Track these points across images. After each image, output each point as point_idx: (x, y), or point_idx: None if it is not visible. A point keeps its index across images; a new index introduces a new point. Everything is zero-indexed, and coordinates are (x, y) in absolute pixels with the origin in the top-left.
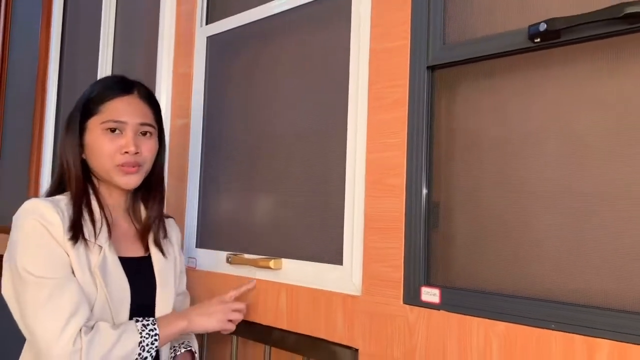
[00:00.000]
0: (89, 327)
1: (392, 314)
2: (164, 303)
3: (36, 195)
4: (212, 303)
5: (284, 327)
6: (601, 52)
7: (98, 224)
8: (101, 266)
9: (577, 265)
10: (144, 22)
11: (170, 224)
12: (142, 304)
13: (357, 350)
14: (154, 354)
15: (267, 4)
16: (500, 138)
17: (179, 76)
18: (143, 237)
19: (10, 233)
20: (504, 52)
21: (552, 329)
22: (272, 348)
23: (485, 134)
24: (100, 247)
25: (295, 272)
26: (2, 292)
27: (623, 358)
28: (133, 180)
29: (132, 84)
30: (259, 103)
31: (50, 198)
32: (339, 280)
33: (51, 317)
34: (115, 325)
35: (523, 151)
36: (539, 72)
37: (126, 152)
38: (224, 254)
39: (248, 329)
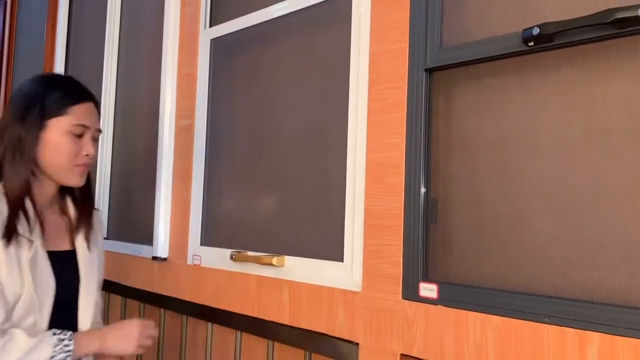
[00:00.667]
0: (3, 331)
1: (391, 309)
2: (86, 297)
3: None
4: (128, 326)
5: (287, 323)
6: (592, 55)
7: (32, 221)
8: (31, 261)
9: (569, 261)
10: (149, 24)
11: (96, 216)
12: (65, 298)
13: (357, 344)
14: None
15: (269, 7)
16: (496, 138)
17: (183, 77)
18: (71, 231)
19: None
20: (500, 55)
21: (545, 323)
22: (275, 343)
23: (482, 133)
24: (32, 242)
25: (297, 268)
26: None
27: (612, 349)
28: (84, 180)
29: (89, 91)
30: (262, 104)
31: None
32: (340, 277)
33: None
34: (30, 335)
35: (519, 150)
36: (534, 74)
37: (86, 155)
38: (227, 252)
39: (251, 325)
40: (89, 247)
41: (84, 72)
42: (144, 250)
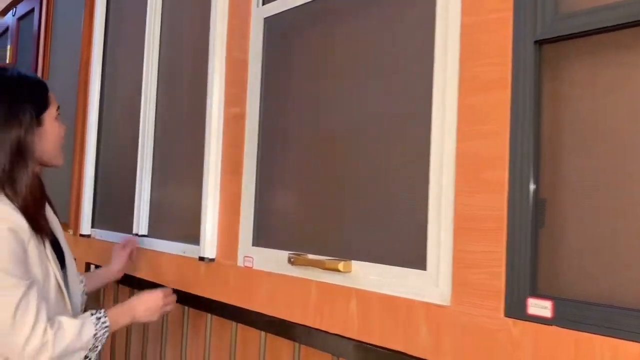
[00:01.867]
0: (51, 321)
1: (490, 328)
2: (72, 274)
3: (79, 198)
4: (153, 297)
5: (354, 337)
6: None
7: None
8: (51, 246)
9: None
10: (193, 4)
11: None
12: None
13: None
14: (104, 341)
15: None
16: (623, 125)
17: (232, 62)
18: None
19: None
20: (631, 22)
21: None
22: (340, 359)
23: (605, 120)
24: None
25: (367, 276)
26: None
27: None
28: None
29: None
30: (323, 89)
31: (3, 199)
32: (422, 287)
33: (24, 316)
34: (73, 319)
35: None
36: None
37: (64, 132)
38: (284, 254)
39: (312, 336)
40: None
41: (122, 56)
42: (189, 250)
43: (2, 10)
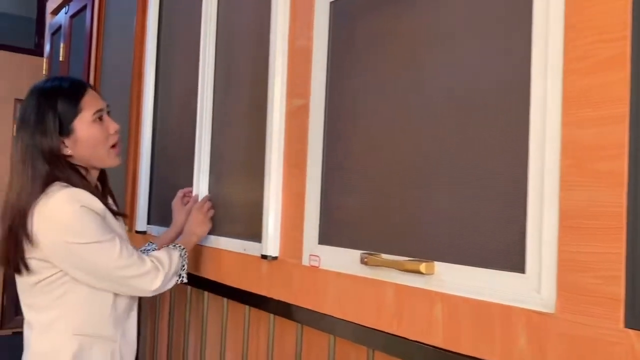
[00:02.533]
0: (142, 258)
1: (605, 341)
2: None
3: (134, 194)
4: (195, 215)
5: (439, 345)
6: None
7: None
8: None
9: None
10: None
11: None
12: None
13: None
14: (187, 262)
15: None
16: None
17: (296, 50)
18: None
19: (54, 222)
20: None
21: None
22: None
23: None
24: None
25: (454, 278)
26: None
27: None
28: (121, 158)
29: (81, 80)
30: (397, 75)
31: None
32: (520, 292)
33: (131, 258)
34: (157, 251)
35: None
36: None
37: (114, 132)
38: (356, 253)
39: (389, 343)
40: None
41: (177, 57)
42: (250, 247)
43: (54, 9)
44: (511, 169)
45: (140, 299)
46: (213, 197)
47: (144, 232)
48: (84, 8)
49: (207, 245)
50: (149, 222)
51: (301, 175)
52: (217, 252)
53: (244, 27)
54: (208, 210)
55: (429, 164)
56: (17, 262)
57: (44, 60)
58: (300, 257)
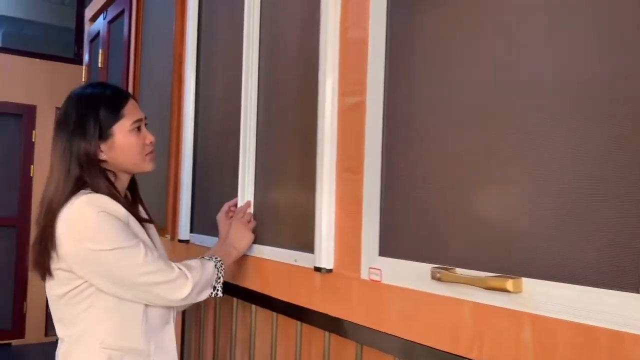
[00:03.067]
0: (170, 266)
1: None
2: None
3: (175, 202)
4: (235, 228)
5: None
6: None
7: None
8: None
9: None
10: None
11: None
12: None
13: None
14: (223, 275)
15: None
16: None
17: (349, 42)
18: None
19: (74, 229)
20: None
21: None
22: None
23: None
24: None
25: (547, 297)
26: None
27: None
28: (154, 164)
29: (124, 89)
30: (468, 64)
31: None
32: (635, 316)
33: (156, 264)
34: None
35: None
36: None
37: (150, 143)
38: (425, 267)
39: None
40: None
41: (218, 58)
42: (301, 259)
43: (92, 16)
44: (621, 166)
45: (183, 310)
46: (260, 205)
47: (186, 241)
48: (121, 13)
49: (253, 255)
50: (191, 231)
51: (357, 180)
52: (265, 263)
53: (290, 20)
54: (249, 221)
55: (513, 165)
56: (44, 269)
57: (83, 68)
58: (358, 270)
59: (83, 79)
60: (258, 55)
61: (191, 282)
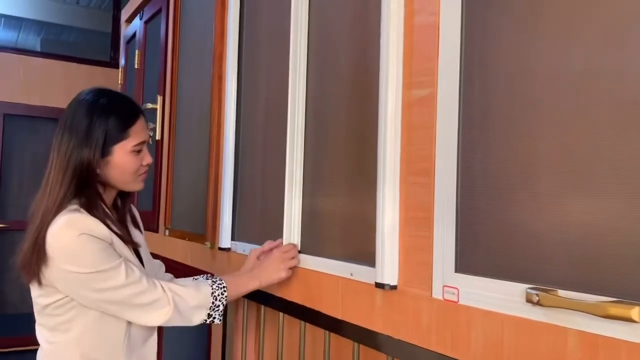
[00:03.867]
0: (153, 282)
1: None
2: None
3: (216, 209)
4: (270, 259)
5: None
6: None
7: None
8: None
9: None
10: None
11: (135, 210)
12: None
13: None
14: (225, 302)
15: None
16: None
17: (415, 28)
18: (130, 227)
19: (54, 249)
20: None
21: None
22: None
23: None
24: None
25: None
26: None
27: None
28: (144, 183)
29: (138, 106)
30: (567, 51)
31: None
32: None
33: (137, 286)
34: (186, 280)
35: None
36: None
37: (147, 164)
38: (518, 288)
39: None
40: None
41: (262, 55)
42: (359, 272)
43: (129, 17)
44: None
45: (224, 323)
46: (308, 211)
47: (227, 249)
48: (158, 12)
49: (302, 266)
50: (233, 238)
51: (427, 184)
52: (313, 275)
53: (343, 5)
54: (291, 258)
55: (634, 168)
56: (33, 276)
57: (120, 70)
58: (429, 288)
59: (119, 82)
60: (307, 49)
61: (171, 308)
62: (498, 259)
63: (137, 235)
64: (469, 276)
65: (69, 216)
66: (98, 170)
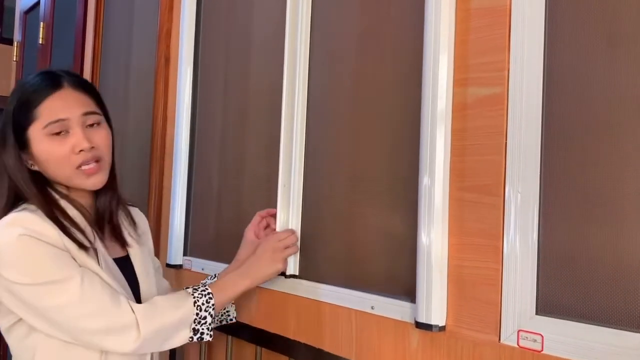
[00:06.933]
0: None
1: None
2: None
3: (159, 217)
4: (262, 249)
5: None
6: None
7: (87, 230)
8: (105, 270)
9: None
10: None
11: (136, 213)
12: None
13: None
14: (212, 312)
15: None
16: None
17: (471, 12)
18: (116, 236)
19: None
20: None
21: None
22: None
23: None
24: (96, 250)
25: None
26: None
27: None
28: (99, 180)
29: (59, 76)
30: None
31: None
32: None
33: (95, 304)
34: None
35: None
36: None
37: (81, 151)
38: (634, 337)
39: None
40: (139, 247)
41: (234, 24)
42: (392, 309)
43: None
44: None
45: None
46: (330, 231)
47: (179, 266)
48: None
49: (298, 294)
50: (185, 254)
51: (493, 202)
52: (317, 306)
53: None
54: (289, 246)
55: None
56: None
57: (15, 45)
58: (496, 332)
59: (14, 59)
60: (309, 26)
61: (140, 336)
62: (601, 299)
63: (132, 243)
64: (556, 320)
65: (14, 215)
66: (34, 167)
